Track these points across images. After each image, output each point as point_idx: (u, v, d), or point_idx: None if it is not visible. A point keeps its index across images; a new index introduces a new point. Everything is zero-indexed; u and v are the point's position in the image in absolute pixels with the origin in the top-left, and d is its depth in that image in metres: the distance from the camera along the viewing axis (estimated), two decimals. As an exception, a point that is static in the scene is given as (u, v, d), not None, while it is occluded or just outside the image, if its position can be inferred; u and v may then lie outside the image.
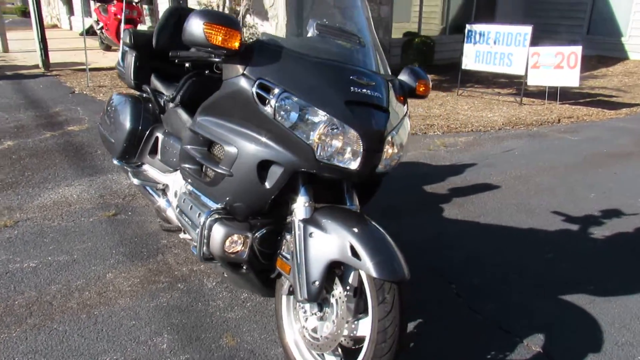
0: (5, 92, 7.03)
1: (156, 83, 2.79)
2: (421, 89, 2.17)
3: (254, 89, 1.70)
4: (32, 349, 2.05)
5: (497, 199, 3.78)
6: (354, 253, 1.62)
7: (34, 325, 2.20)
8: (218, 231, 1.87)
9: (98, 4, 11.17)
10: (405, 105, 2.11)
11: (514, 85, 8.35)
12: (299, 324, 1.92)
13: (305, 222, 1.75)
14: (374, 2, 9.76)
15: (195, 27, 1.63)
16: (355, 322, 1.72)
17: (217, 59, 1.78)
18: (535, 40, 7.45)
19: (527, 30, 7.08)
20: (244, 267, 1.99)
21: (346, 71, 1.78)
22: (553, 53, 7.00)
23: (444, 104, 7.14)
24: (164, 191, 2.65)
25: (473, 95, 7.91)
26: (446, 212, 3.53)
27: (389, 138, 1.82)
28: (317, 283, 1.69)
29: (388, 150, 1.84)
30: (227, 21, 1.65)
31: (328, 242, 1.69)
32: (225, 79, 1.83)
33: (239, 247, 1.90)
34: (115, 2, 10.54)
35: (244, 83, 1.73)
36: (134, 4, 10.68)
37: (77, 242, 2.94)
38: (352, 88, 1.73)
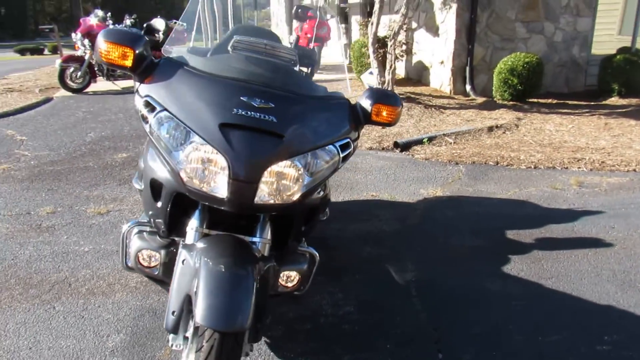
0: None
1: None
2: (383, 114, 1.87)
3: (139, 107, 1.69)
4: (24, 321, 2.39)
5: (593, 261, 2.95)
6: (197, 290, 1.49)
7: (43, 300, 2.57)
8: (133, 243, 1.91)
9: (299, 23, 12.27)
10: (353, 132, 1.85)
11: None
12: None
13: (185, 247, 1.68)
14: (569, 14, 8.56)
15: (98, 45, 1.70)
16: None
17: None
18: None
19: None
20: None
21: (238, 91, 1.64)
22: None
23: (621, 135, 5.84)
24: None
25: (678, 127, 6.28)
26: (511, 265, 2.90)
27: (287, 169, 1.61)
28: (175, 314, 1.60)
29: (287, 182, 1.63)
30: (122, 39, 1.66)
31: (190, 273, 1.58)
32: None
33: (153, 263, 1.91)
34: (308, 20, 11.45)
35: (137, 100, 1.74)
36: (325, 21, 11.46)
37: (132, 236, 3.31)
38: (235, 110, 1.59)
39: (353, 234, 3.30)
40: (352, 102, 1.94)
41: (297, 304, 2.50)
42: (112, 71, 9.43)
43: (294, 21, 13.29)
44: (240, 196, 1.58)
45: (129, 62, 1.67)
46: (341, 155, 1.77)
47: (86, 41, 8.78)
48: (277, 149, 1.60)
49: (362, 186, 4.23)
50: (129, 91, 9.23)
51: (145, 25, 10.31)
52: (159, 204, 1.76)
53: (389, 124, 1.93)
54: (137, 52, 1.67)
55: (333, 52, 14.35)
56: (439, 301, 2.56)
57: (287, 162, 1.62)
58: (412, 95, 7.60)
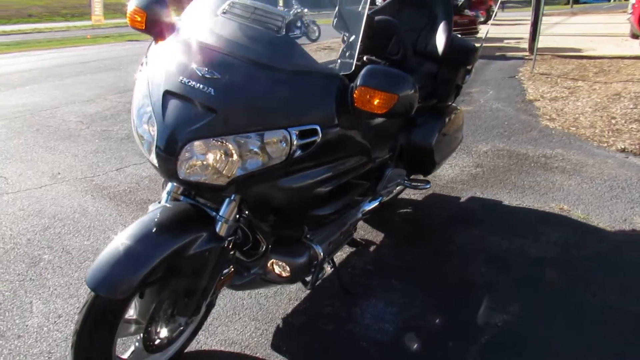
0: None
1: None
2: (374, 102, 1.51)
3: (140, 67, 1.78)
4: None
5: None
6: None
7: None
8: None
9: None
10: (328, 119, 1.53)
11: None
12: None
13: (151, 206, 1.75)
14: None
15: (128, 10, 1.83)
16: None
17: None
18: None
19: None
20: None
21: (194, 58, 1.56)
22: None
23: None
24: None
25: None
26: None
27: (215, 147, 1.48)
28: None
29: (215, 161, 1.49)
30: (140, 3, 1.76)
31: None
32: None
33: None
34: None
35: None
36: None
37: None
38: (181, 77, 1.53)
39: (481, 248, 2.68)
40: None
41: (348, 300, 2.27)
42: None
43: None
44: (165, 168, 1.54)
45: (141, 25, 1.78)
46: (295, 143, 1.50)
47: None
48: (205, 124, 1.47)
49: (560, 194, 3.31)
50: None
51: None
52: None
53: (383, 115, 1.50)
54: (148, 14, 1.75)
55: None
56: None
57: (215, 140, 1.48)
58: None
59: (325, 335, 2.07)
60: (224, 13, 1.73)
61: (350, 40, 1.84)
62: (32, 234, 2.94)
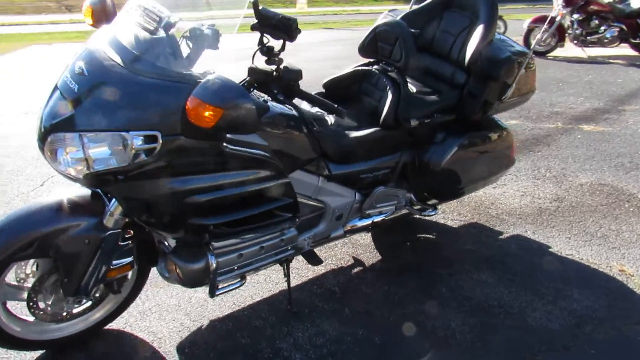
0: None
1: None
2: (205, 114, 1.40)
3: None
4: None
5: None
6: None
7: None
8: None
9: None
10: (171, 126, 1.48)
11: None
12: None
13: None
14: None
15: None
16: None
17: None
18: None
19: None
20: None
21: (80, 55, 1.64)
22: None
23: None
24: None
25: None
26: None
27: (67, 141, 1.53)
28: None
29: (71, 156, 1.54)
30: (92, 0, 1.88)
31: None
32: None
33: None
34: None
35: None
36: None
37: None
38: (65, 75, 1.63)
39: (476, 297, 2.25)
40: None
41: (286, 317, 2.14)
42: (583, 36, 8.39)
43: None
44: (43, 155, 1.64)
45: (90, 21, 1.91)
46: (135, 147, 1.49)
47: (560, 0, 8.09)
48: (64, 118, 1.56)
49: (637, 252, 2.56)
50: (597, 61, 8.05)
51: None
52: None
53: (211, 130, 1.38)
54: (94, 10, 1.86)
55: None
56: None
57: (68, 135, 1.53)
58: None
59: (232, 349, 1.99)
60: (127, 12, 1.75)
61: (266, 44, 1.71)
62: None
